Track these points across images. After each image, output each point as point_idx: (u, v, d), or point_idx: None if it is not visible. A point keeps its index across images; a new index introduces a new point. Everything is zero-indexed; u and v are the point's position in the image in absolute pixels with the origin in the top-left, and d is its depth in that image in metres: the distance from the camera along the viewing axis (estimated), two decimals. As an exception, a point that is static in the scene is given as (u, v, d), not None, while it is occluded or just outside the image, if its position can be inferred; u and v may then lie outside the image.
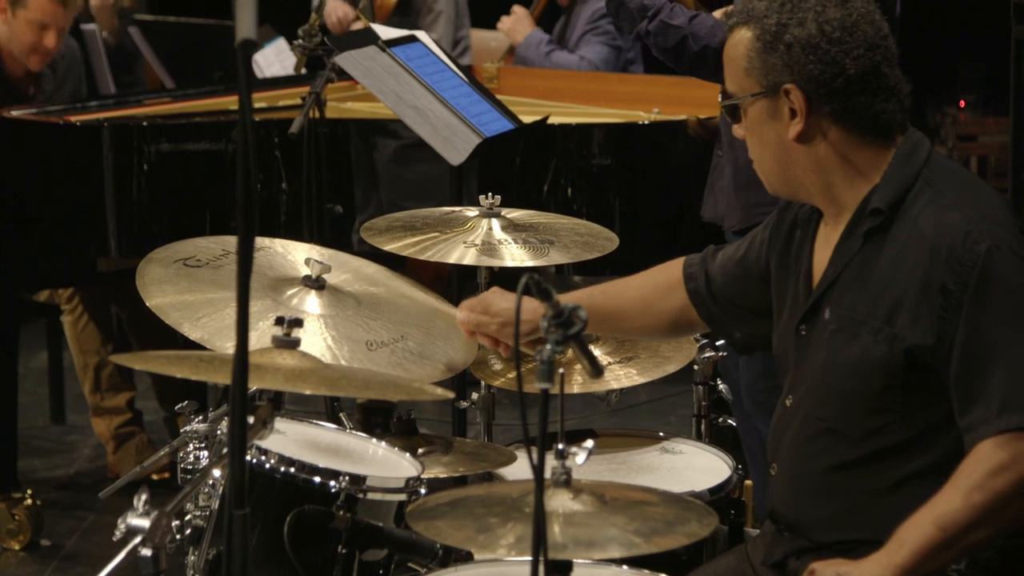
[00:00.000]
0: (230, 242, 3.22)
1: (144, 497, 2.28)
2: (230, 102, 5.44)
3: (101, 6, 6.95)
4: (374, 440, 3.09)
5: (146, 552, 2.24)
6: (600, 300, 3.01)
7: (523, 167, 4.97)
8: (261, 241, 3.21)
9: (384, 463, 3.01)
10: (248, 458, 2.47)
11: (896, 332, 2.53)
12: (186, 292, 3.04)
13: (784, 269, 2.79)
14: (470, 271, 3.71)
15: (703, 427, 3.48)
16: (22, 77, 5.51)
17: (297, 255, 3.25)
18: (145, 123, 4.97)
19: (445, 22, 6.96)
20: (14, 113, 5.12)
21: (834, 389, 2.63)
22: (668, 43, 3.68)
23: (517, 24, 6.42)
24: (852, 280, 2.62)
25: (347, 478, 2.75)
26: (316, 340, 2.95)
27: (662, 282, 3.05)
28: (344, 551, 2.73)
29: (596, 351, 3.30)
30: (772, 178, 2.70)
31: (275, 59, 6.66)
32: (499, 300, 3.00)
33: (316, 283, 3.09)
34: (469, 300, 3.06)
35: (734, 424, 3.77)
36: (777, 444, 2.76)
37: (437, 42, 4.53)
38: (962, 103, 7.58)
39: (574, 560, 2.26)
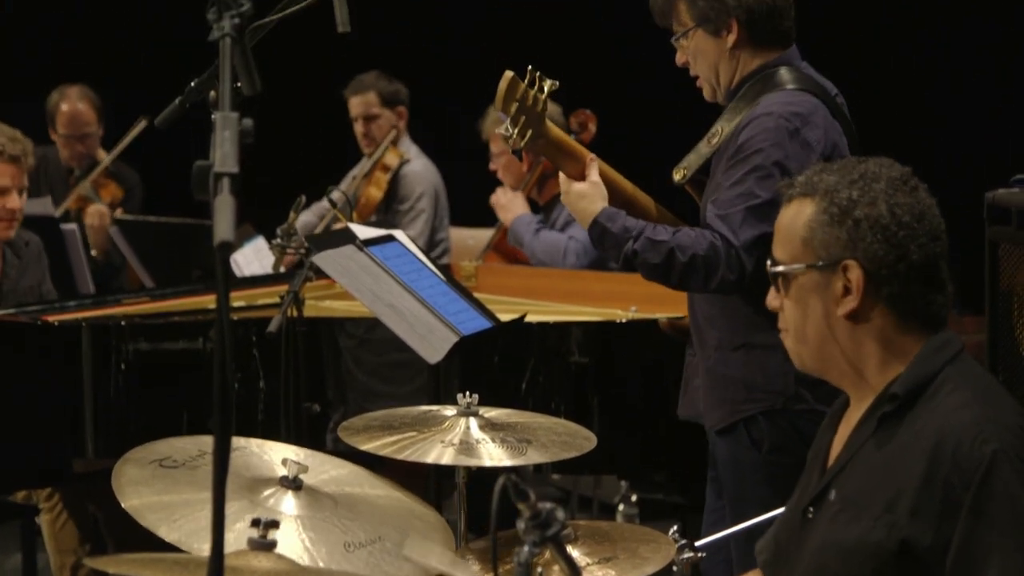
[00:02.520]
0: (206, 442, 3.20)
1: None
2: (208, 301, 5.45)
3: (98, 227, 7.02)
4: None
5: None
6: None
7: (501, 365, 4.97)
8: (237, 441, 3.20)
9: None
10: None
11: (895, 520, 2.52)
12: (162, 493, 3.02)
13: (812, 460, 2.80)
14: (448, 469, 3.69)
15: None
16: None
17: (274, 455, 3.23)
18: (123, 322, 4.97)
19: (424, 221, 7.03)
20: (-9, 313, 5.13)
21: (826, 570, 2.60)
22: (656, 259, 3.69)
23: (511, 202, 6.44)
24: (861, 464, 2.61)
25: None
26: (293, 541, 2.92)
27: None
28: None
29: (574, 552, 3.27)
30: (807, 352, 2.69)
31: (254, 258, 6.70)
32: None
33: (293, 483, 3.07)
34: None
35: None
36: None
37: (415, 240, 4.56)
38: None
39: None
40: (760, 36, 3.86)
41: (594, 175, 3.82)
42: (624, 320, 5.21)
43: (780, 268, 2.67)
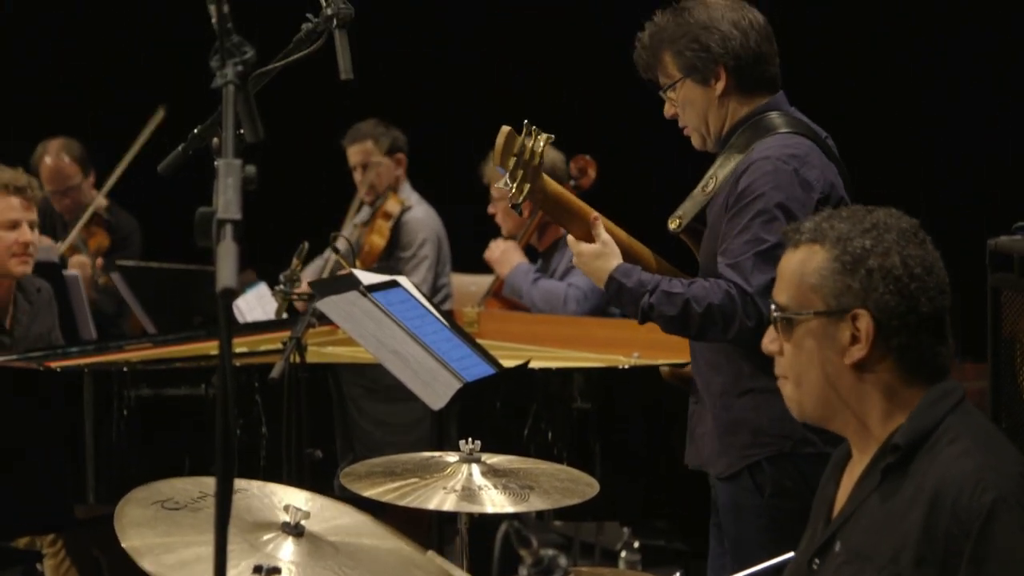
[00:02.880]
0: (208, 484, 3.20)
1: None
2: (211, 347, 5.45)
3: (81, 278, 7.04)
4: None
5: None
6: None
7: (503, 411, 4.97)
8: (239, 483, 3.19)
9: None
10: None
11: (899, 571, 2.51)
12: (164, 535, 3.01)
13: (816, 510, 2.79)
14: (450, 516, 3.68)
15: None
16: (3, 301, 5.53)
17: (275, 498, 3.23)
18: (126, 368, 4.97)
19: (427, 267, 7.05)
20: (-6, 359, 5.13)
21: None
22: (672, 311, 3.70)
23: (504, 255, 6.44)
24: (865, 516, 2.60)
25: None
26: (294, 588, 2.92)
27: None
28: None
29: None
30: (809, 400, 2.67)
31: (257, 304, 6.70)
32: None
33: (295, 529, 3.06)
34: None
35: None
36: None
37: (418, 286, 4.57)
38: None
39: None
40: (748, 83, 3.87)
41: (604, 234, 3.84)
42: (626, 366, 5.20)
43: (786, 313, 2.65)
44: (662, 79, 3.93)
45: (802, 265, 2.64)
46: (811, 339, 2.62)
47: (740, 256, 3.68)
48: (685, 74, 3.87)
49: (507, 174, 3.74)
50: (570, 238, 3.89)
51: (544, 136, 3.75)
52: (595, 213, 3.87)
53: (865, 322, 2.57)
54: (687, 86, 3.88)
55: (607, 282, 3.80)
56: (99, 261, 7.31)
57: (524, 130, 3.75)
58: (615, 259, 3.81)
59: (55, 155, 7.42)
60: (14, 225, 5.43)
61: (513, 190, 3.75)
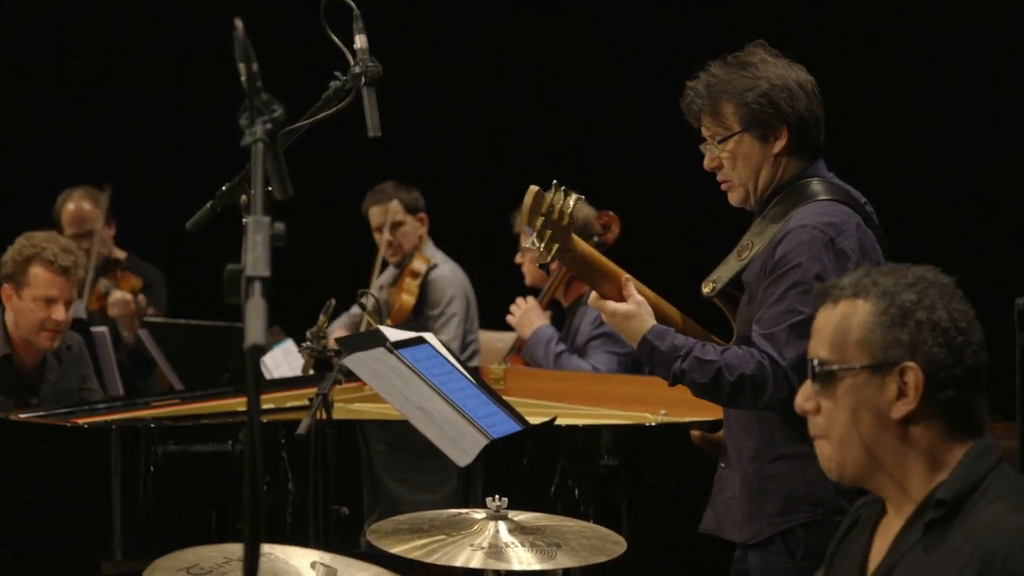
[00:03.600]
0: (232, 550, 3.22)
1: None
2: (237, 403, 5.45)
3: (124, 314, 7.07)
4: None
5: None
6: None
7: (530, 468, 4.95)
8: (263, 547, 3.19)
9: None
10: None
11: None
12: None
13: (840, 563, 2.76)
14: (477, 573, 3.67)
15: None
16: (32, 369, 5.55)
17: (299, 561, 3.23)
18: (153, 425, 4.97)
19: (457, 324, 7.05)
20: (21, 416, 5.14)
21: None
22: (704, 378, 3.69)
23: (526, 317, 6.39)
24: (907, 569, 2.57)
25: None
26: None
27: None
28: None
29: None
30: (849, 459, 2.62)
31: (283, 360, 6.71)
32: None
33: (322, 588, 3.06)
34: None
35: None
36: None
37: (447, 344, 4.56)
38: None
39: None
40: (802, 145, 3.84)
41: (636, 294, 3.82)
42: (654, 424, 5.19)
43: (829, 367, 2.61)
44: (716, 130, 3.87)
45: (845, 319, 2.60)
46: (854, 395, 2.59)
47: (774, 327, 3.66)
48: (744, 127, 3.82)
49: (535, 234, 3.73)
50: (593, 297, 3.86)
51: (574, 196, 3.72)
52: (626, 274, 3.86)
53: (914, 376, 2.54)
54: (744, 140, 3.83)
55: (640, 343, 3.78)
56: (141, 298, 7.34)
57: (552, 189, 3.73)
58: (649, 320, 3.79)
59: (79, 199, 7.48)
60: (51, 301, 5.46)
61: (541, 250, 3.73)
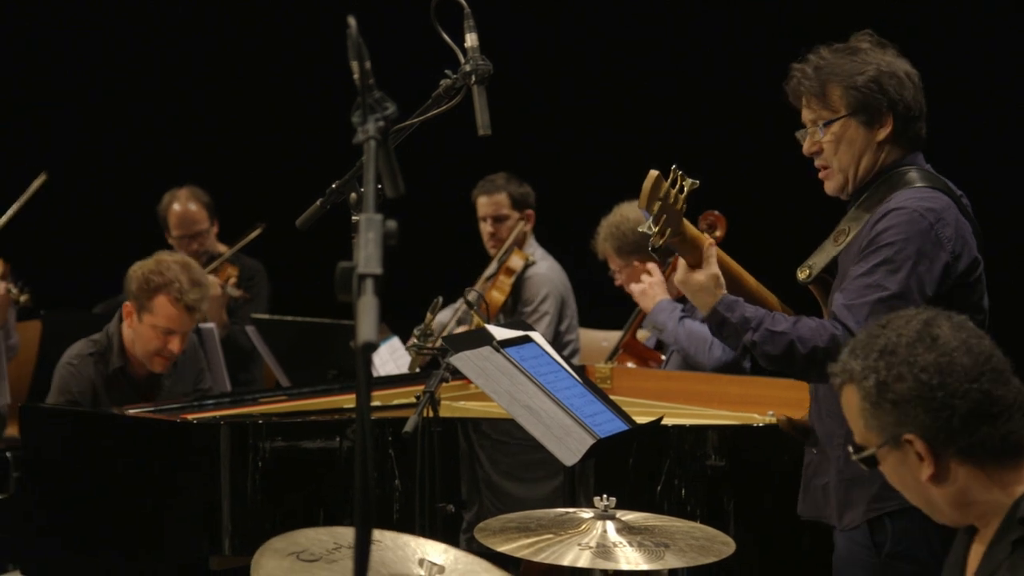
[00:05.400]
0: (343, 534, 3.22)
1: None
2: (345, 400, 5.48)
3: (216, 304, 7.13)
4: None
5: None
6: None
7: (637, 468, 4.93)
8: (373, 534, 3.19)
9: None
10: None
11: None
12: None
13: (949, 570, 2.77)
14: (584, 573, 3.66)
15: None
16: (144, 378, 5.61)
17: (408, 550, 3.23)
18: (261, 421, 5.01)
19: (548, 323, 7.03)
20: (131, 412, 5.20)
21: None
22: (776, 350, 3.67)
23: (652, 288, 6.34)
24: None
25: None
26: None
27: None
28: None
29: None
30: (934, 516, 2.70)
31: (389, 358, 6.73)
32: None
33: (430, 584, 3.07)
34: None
35: None
36: None
37: (540, 342, 4.55)
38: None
39: None
40: (906, 134, 3.83)
41: (712, 266, 3.81)
42: (761, 424, 5.15)
43: (864, 454, 2.68)
44: (821, 112, 3.86)
45: (849, 407, 2.68)
46: (894, 468, 2.65)
47: (857, 299, 3.64)
48: (851, 112, 3.81)
49: (651, 218, 3.73)
50: (681, 262, 3.85)
51: (689, 181, 3.73)
52: (711, 241, 3.85)
53: (918, 444, 2.58)
54: (850, 124, 3.82)
55: (710, 314, 3.78)
56: (231, 280, 7.40)
57: (671, 175, 3.73)
58: (720, 291, 3.79)
59: (185, 201, 7.55)
60: (171, 333, 5.50)
61: (655, 233, 3.73)
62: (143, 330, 5.52)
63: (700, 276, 3.79)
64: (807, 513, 3.99)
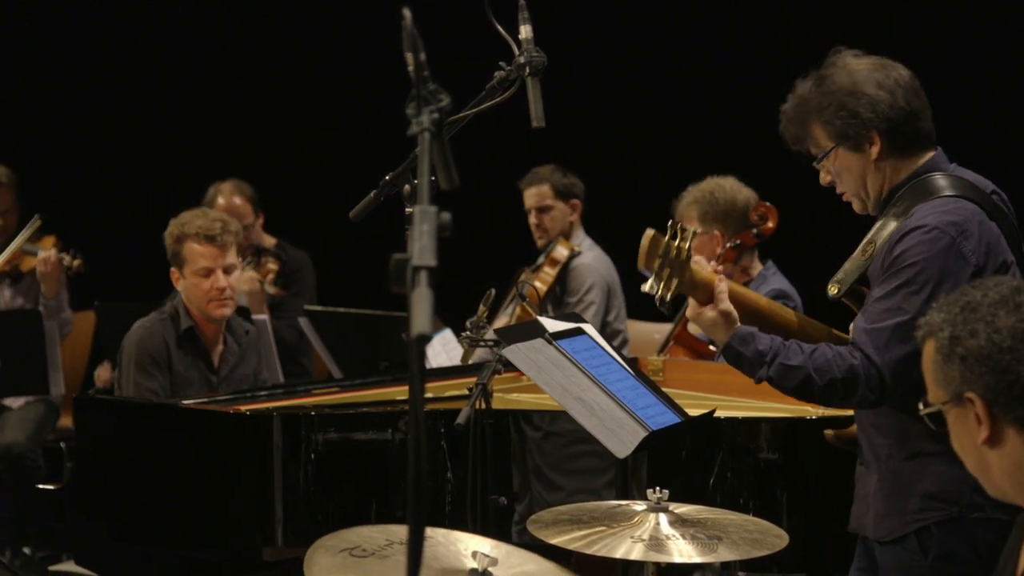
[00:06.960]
0: (394, 531, 3.23)
1: None
2: (397, 392, 5.49)
3: (250, 291, 7.15)
4: None
5: None
6: None
7: (689, 460, 4.92)
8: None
9: None
10: None
11: None
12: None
13: (1003, 565, 2.75)
14: (637, 565, 3.66)
15: None
16: (212, 338, 5.66)
17: (461, 545, 3.24)
18: (313, 412, 5.03)
19: (593, 313, 7.01)
20: (185, 403, 5.23)
21: None
22: (791, 384, 3.68)
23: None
24: None
25: None
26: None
27: None
28: None
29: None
30: (984, 484, 2.68)
31: (441, 350, 6.74)
32: None
33: (482, 576, 3.07)
34: None
35: None
36: None
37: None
38: None
39: None
40: (902, 142, 3.80)
41: (723, 303, 3.80)
42: (814, 417, 5.12)
43: (930, 409, 2.67)
44: (813, 150, 3.89)
45: (926, 363, 2.67)
46: (956, 428, 2.64)
47: (878, 323, 3.63)
48: (837, 142, 3.82)
49: (652, 276, 3.74)
50: (691, 301, 3.85)
51: (690, 230, 3.77)
52: (720, 276, 3.84)
53: (977, 404, 2.57)
54: (841, 154, 3.84)
55: (724, 348, 3.79)
56: (269, 277, 7.42)
57: (669, 231, 3.75)
58: (734, 326, 3.79)
59: (228, 195, 7.57)
60: (208, 273, 5.58)
61: (659, 290, 3.74)
62: (189, 283, 5.65)
63: (711, 313, 3.79)
64: (851, 524, 3.97)
